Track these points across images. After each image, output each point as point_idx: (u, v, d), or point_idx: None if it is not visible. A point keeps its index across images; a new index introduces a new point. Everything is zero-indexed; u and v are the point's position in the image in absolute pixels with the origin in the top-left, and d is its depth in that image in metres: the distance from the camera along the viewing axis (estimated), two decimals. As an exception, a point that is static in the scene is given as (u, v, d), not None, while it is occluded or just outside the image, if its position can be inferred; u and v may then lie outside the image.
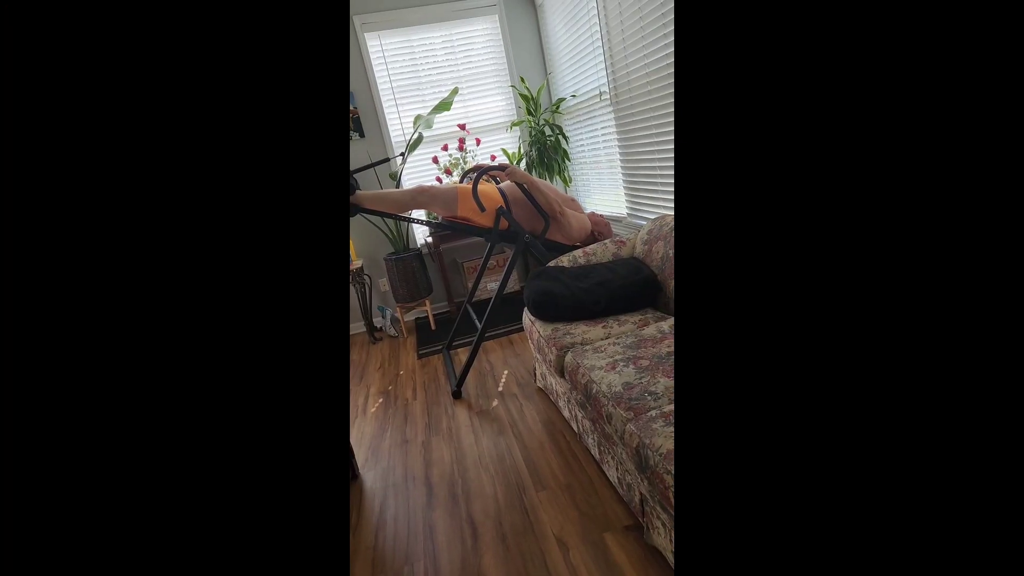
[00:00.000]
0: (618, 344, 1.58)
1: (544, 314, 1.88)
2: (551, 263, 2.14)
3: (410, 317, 3.57)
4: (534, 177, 2.20)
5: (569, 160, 3.31)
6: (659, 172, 2.34)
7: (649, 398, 1.24)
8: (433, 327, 3.27)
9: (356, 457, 1.92)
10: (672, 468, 0.99)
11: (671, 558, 1.14)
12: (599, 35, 2.55)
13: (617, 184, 2.86)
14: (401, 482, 1.74)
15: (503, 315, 3.19)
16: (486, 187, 2.28)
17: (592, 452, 1.63)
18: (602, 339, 1.68)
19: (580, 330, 1.75)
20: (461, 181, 2.65)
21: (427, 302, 3.24)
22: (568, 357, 1.62)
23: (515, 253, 2.22)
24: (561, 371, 1.68)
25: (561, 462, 1.68)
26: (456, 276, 3.56)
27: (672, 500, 0.99)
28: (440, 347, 2.90)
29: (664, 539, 1.16)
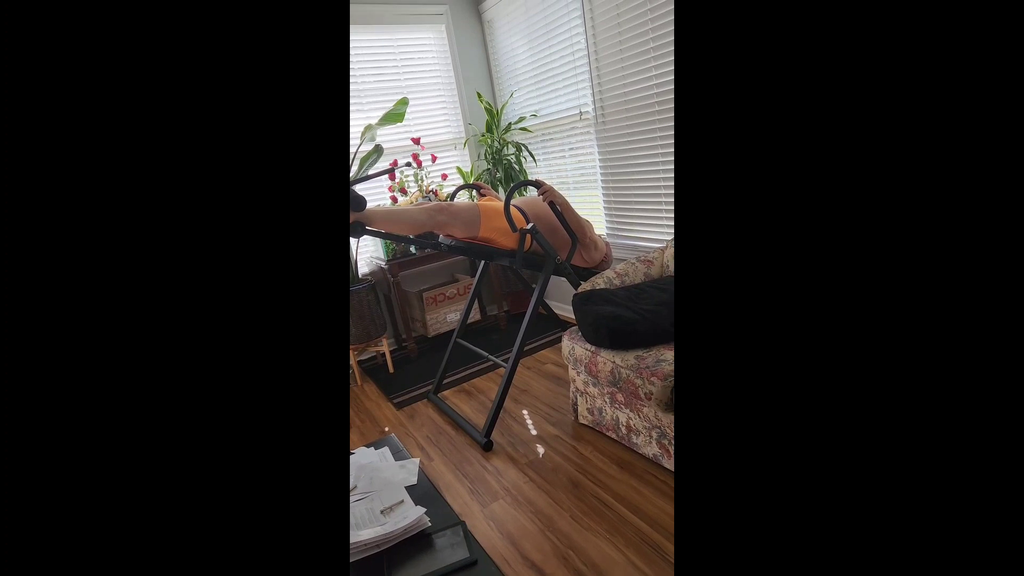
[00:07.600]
0: (731, 367, 1.48)
1: (622, 342, 1.70)
2: (585, 286, 1.98)
3: (358, 359, 3.00)
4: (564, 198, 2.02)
5: (527, 181, 3.19)
6: (657, 194, 2.36)
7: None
8: (391, 370, 2.79)
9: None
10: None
11: None
12: (585, 56, 2.51)
13: (594, 205, 2.82)
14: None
15: (492, 344, 2.82)
16: (500, 206, 2.02)
17: (710, 489, 1.49)
18: (700, 363, 1.57)
19: (668, 356, 1.62)
20: (452, 197, 2.34)
21: (384, 341, 2.77)
22: (681, 387, 1.47)
23: (544, 276, 2.00)
24: (671, 403, 1.51)
25: (672, 505, 1.50)
26: (409, 309, 3.13)
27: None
28: (423, 391, 2.47)
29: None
